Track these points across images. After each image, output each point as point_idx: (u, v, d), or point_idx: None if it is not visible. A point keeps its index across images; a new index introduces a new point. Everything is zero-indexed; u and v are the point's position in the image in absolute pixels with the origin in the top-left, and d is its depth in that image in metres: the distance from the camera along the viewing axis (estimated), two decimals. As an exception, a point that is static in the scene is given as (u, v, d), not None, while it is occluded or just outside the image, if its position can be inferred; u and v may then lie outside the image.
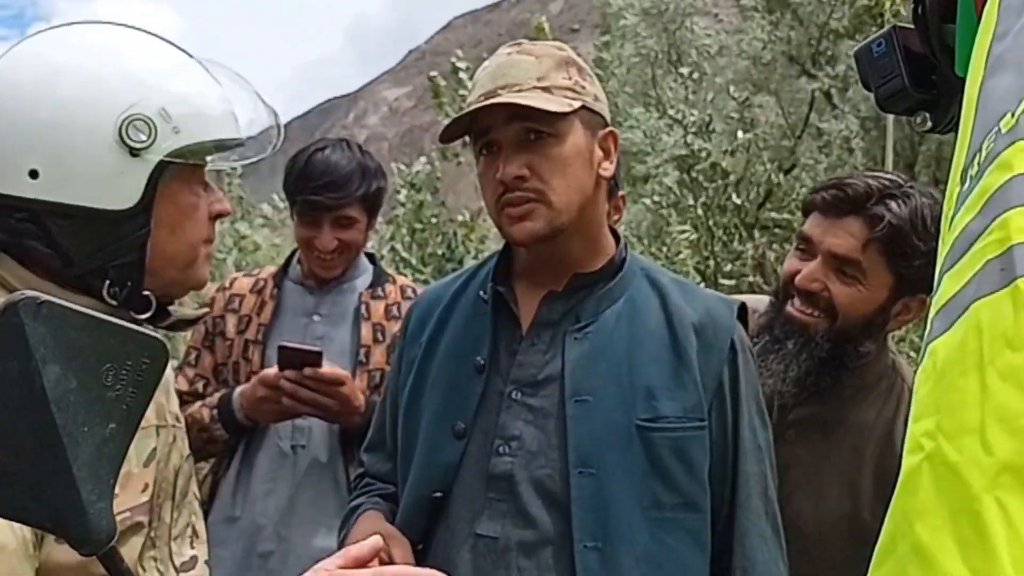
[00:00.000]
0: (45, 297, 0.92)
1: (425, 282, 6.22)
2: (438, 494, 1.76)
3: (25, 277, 1.43)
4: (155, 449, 1.54)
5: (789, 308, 2.11)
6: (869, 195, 2.04)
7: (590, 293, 1.78)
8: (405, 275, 6.28)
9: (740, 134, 7.28)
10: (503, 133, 1.72)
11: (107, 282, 1.44)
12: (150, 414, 1.54)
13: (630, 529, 1.66)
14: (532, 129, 1.70)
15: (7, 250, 1.43)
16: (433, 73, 6.19)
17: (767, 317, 2.16)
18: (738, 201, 8.11)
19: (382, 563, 1.65)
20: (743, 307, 1.84)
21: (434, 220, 6.12)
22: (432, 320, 1.90)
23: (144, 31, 1.52)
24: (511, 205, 1.72)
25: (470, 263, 6.25)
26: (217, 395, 2.62)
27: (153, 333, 0.97)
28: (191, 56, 1.52)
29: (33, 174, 1.38)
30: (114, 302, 1.45)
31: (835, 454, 2.12)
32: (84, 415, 0.93)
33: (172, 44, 1.52)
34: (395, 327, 2.65)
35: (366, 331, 2.68)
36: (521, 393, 1.75)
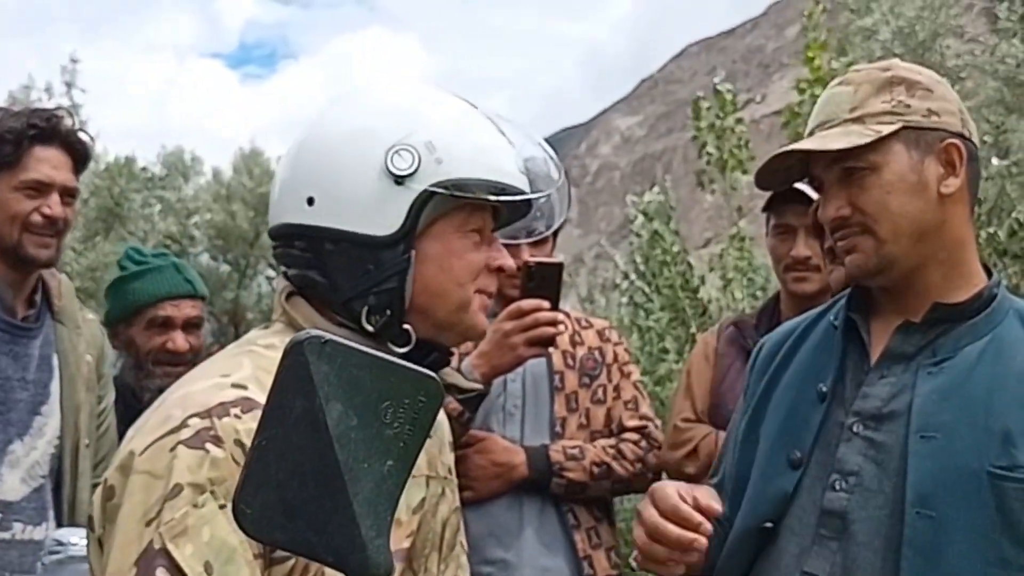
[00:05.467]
0: (329, 336, 0.95)
1: (651, 313, 6.06)
2: (768, 525, 1.69)
3: (310, 315, 1.52)
4: (424, 499, 1.57)
5: None
6: None
7: (951, 327, 1.65)
8: (641, 306, 6.20)
9: (995, 160, 6.90)
10: (824, 174, 1.70)
11: (367, 308, 1.48)
12: (422, 464, 1.57)
13: None
14: (846, 166, 1.66)
15: (298, 289, 1.55)
16: (700, 94, 6.11)
17: None
18: (991, 231, 7.68)
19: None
20: None
21: (675, 248, 6.01)
22: (781, 352, 1.84)
23: (435, 87, 1.59)
24: (839, 240, 1.69)
25: (709, 294, 6.14)
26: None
27: (429, 372, 0.99)
28: (476, 107, 1.57)
29: (310, 201, 1.49)
30: (371, 328, 1.49)
31: None
32: (364, 452, 0.95)
33: (463, 99, 1.58)
34: None
35: None
36: (863, 426, 1.64)
